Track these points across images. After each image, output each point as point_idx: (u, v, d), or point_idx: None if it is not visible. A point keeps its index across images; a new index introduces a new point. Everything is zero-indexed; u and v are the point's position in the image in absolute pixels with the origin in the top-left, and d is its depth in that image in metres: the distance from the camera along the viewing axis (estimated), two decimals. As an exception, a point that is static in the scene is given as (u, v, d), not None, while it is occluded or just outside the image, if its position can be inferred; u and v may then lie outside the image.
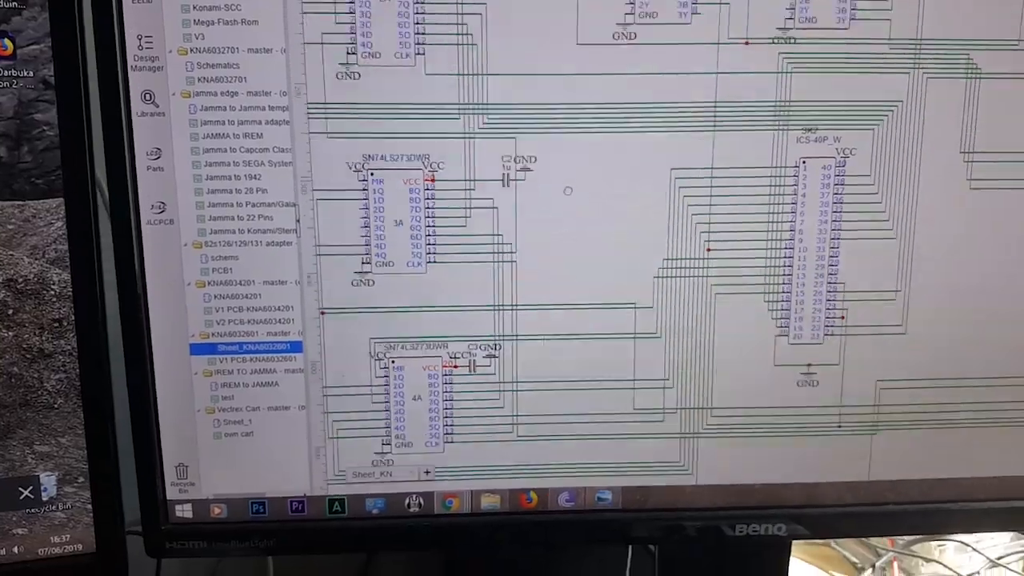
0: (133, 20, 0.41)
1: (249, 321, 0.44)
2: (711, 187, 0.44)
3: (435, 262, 0.44)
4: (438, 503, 0.47)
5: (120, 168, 0.42)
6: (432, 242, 0.44)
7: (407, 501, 0.47)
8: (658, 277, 0.45)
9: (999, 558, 0.63)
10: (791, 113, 0.43)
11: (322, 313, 0.44)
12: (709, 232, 0.44)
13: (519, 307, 0.45)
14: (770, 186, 0.44)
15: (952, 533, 0.61)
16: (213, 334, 0.44)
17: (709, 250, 0.44)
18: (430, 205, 0.43)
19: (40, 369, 0.42)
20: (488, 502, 0.47)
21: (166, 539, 0.46)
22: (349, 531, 0.47)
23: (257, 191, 0.43)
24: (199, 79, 0.42)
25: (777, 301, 0.45)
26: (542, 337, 0.45)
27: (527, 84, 0.42)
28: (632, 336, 0.45)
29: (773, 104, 0.43)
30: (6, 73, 0.40)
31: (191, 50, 0.41)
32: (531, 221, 0.44)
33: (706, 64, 0.42)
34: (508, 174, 0.43)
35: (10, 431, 0.42)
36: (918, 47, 0.43)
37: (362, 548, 0.55)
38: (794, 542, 0.52)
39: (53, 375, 0.42)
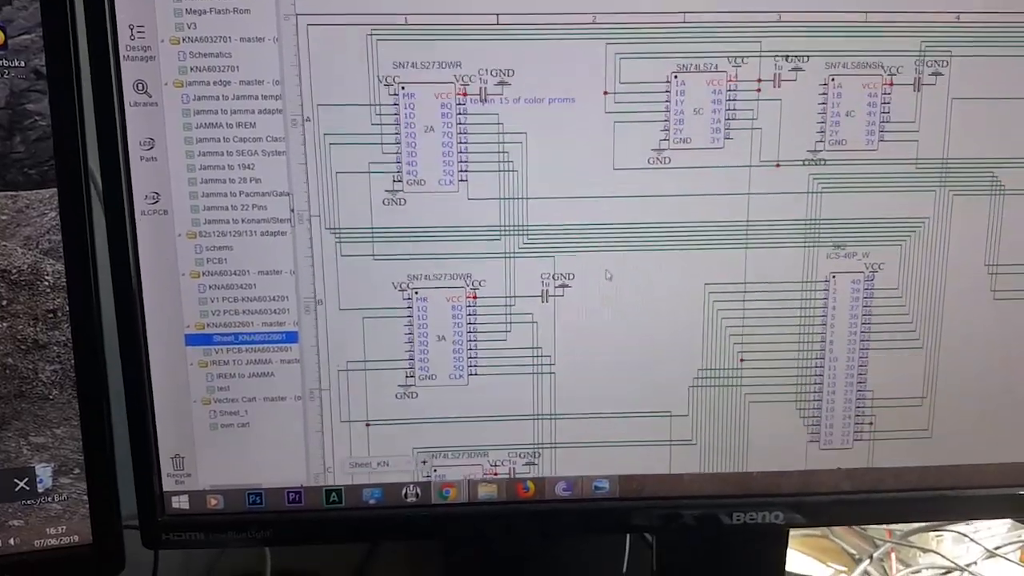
0: (125, 9, 0.41)
1: (244, 311, 0.44)
2: (744, 301, 0.45)
3: (476, 374, 0.45)
4: (435, 493, 0.47)
5: (113, 158, 0.42)
6: (473, 356, 0.45)
7: (404, 491, 0.47)
8: (693, 387, 0.46)
9: (997, 548, 0.63)
10: (821, 230, 0.44)
11: (367, 425, 0.45)
12: (742, 344, 0.46)
13: (558, 416, 0.46)
14: (801, 299, 0.45)
15: (951, 520, 0.61)
16: (208, 324, 0.44)
17: (742, 360, 0.46)
18: (472, 321, 0.45)
19: (35, 360, 0.42)
20: (485, 491, 0.47)
21: (163, 531, 0.46)
22: (346, 521, 0.47)
23: (251, 180, 0.43)
24: (192, 69, 0.41)
25: (808, 409, 0.46)
26: (580, 445, 0.46)
27: (565, 206, 0.44)
28: (668, 443, 0.47)
29: (804, 222, 0.44)
30: (-3, 63, 0.40)
31: (183, 39, 0.41)
32: (569, 335, 0.45)
33: (738, 185, 0.44)
34: (547, 290, 0.44)
35: (5, 422, 0.42)
36: (944, 166, 0.44)
37: (359, 538, 0.55)
38: (791, 533, 0.53)
39: (48, 366, 0.42)
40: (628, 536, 0.60)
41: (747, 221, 0.44)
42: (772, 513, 0.47)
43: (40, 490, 0.43)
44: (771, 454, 0.47)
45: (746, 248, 0.44)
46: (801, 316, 0.46)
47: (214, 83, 0.42)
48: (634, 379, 0.46)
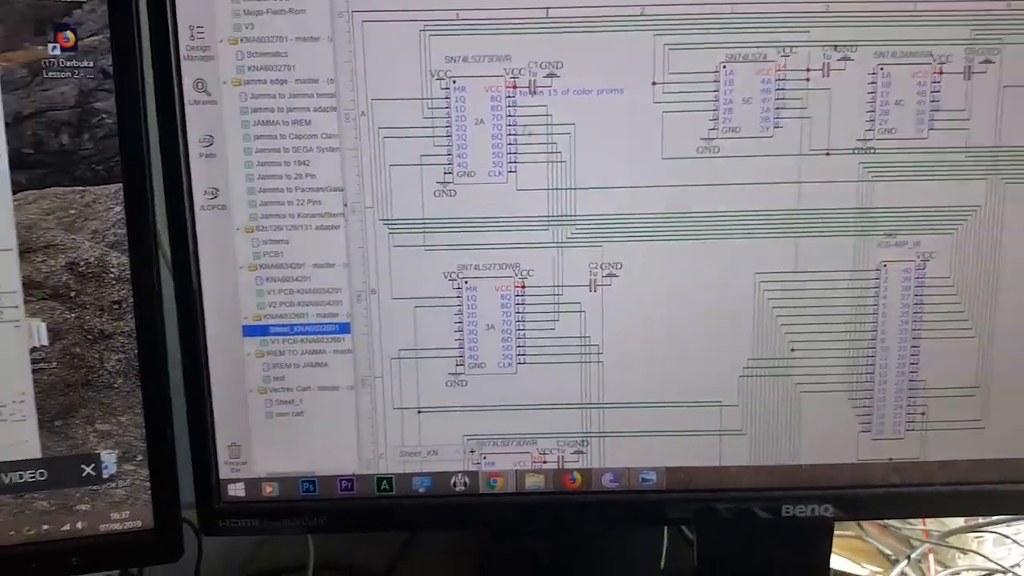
0: (185, 11, 0.42)
1: (299, 303, 0.45)
2: (795, 290, 0.45)
3: (525, 363, 0.46)
4: (483, 482, 0.47)
5: (174, 155, 0.44)
6: (522, 344, 0.46)
7: (453, 480, 0.47)
8: (743, 376, 0.46)
9: (1040, 550, 0.62)
10: (872, 219, 0.44)
11: (419, 412, 0.46)
12: (793, 333, 0.45)
13: (606, 405, 0.46)
14: (852, 288, 0.45)
15: (1002, 515, 0.60)
16: (265, 316, 0.45)
17: (793, 350, 0.46)
18: (520, 310, 0.45)
19: (101, 350, 0.43)
20: (533, 481, 0.47)
21: (220, 517, 0.47)
22: (396, 509, 0.47)
23: (306, 176, 0.44)
24: (249, 68, 0.43)
25: (860, 399, 0.46)
26: (628, 434, 0.47)
27: (613, 196, 0.44)
28: (718, 433, 0.47)
29: (854, 211, 0.44)
30: (68, 63, 0.41)
31: (241, 39, 0.43)
32: (617, 323, 0.46)
33: (788, 174, 0.44)
34: (595, 279, 0.45)
35: (73, 409, 0.44)
36: (995, 154, 0.44)
37: (409, 526, 0.56)
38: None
39: (113, 355, 0.44)
40: (666, 530, 0.60)
41: (797, 210, 0.44)
42: (822, 506, 0.47)
43: (105, 476, 0.44)
44: (822, 444, 0.47)
45: (797, 237, 0.44)
46: (852, 305, 0.45)
47: (270, 82, 0.43)
48: (683, 369, 0.46)
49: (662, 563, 0.60)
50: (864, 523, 0.63)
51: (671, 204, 0.44)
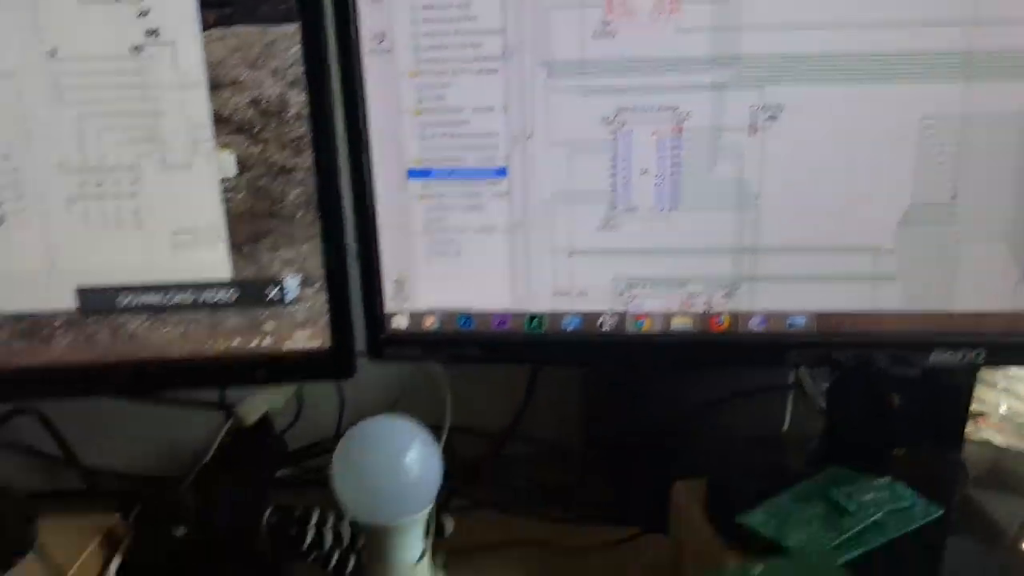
0: None
1: (459, 147, 0.47)
2: (961, 135, 0.44)
3: (679, 208, 0.46)
4: (630, 323, 0.49)
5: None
6: (676, 189, 0.46)
7: (601, 320, 0.49)
8: (902, 223, 0.45)
9: None
10: None
11: (570, 255, 0.48)
12: (956, 180, 0.44)
13: (760, 250, 0.46)
14: (1020, 134, 0.43)
15: None
16: (427, 160, 0.48)
17: (955, 198, 0.44)
18: (677, 154, 0.45)
19: (283, 183, 0.47)
20: (679, 323, 0.49)
21: (385, 345, 0.51)
22: (547, 345, 0.50)
23: (467, 19, 0.45)
24: (414, -89, 0.43)
25: (1021, 247, 0.45)
26: (780, 279, 0.47)
27: (779, 36, 0.43)
28: (871, 279, 0.46)
29: None
30: (250, -96, 0.43)
31: None
32: (776, 168, 0.45)
33: (962, 14, 0.42)
34: (755, 123, 0.44)
35: (259, 237, 0.47)
36: None
37: (559, 362, 0.59)
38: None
39: (294, 189, 0.47)
40: (791, 395, 0.61)
41: (969, 51, 0.42)
42: (974, 351, 0.46)
43: (288, 299, 0.49)
44: (978, 291, 0.46)
45: (967, 80, 0.43)
46: (1018, 152, 0.44)
47: (434, -77, 0.44)
48: (841, 214, 0.46)
49: (785, 426, 0.61)
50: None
51: (837, 45, 0.43)
